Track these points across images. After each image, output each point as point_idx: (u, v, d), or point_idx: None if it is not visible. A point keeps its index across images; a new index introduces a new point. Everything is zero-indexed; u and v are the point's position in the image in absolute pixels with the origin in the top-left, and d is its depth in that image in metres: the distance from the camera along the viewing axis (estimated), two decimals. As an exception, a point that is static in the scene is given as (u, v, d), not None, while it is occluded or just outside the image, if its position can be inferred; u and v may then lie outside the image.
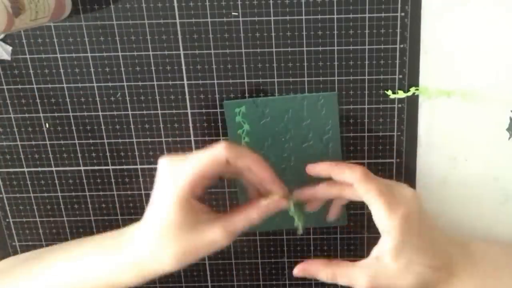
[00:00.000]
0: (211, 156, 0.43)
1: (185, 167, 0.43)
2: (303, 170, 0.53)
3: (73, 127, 0.53)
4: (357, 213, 0.56)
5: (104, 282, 0.45)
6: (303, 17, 0.49)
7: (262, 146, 0.53)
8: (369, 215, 0.57)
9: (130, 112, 0.53)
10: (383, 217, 0.44)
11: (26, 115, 0.53)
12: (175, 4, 0.49)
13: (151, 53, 0.50)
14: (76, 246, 0.50)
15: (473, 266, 0.48)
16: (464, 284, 0.47)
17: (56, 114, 0.53)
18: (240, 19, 0.49)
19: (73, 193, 0.56)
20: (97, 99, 0.52)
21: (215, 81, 0.51)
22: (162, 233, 0.43)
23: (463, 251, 0.49)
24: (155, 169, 0.44)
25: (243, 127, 0.52)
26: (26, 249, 0.58)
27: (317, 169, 0.49)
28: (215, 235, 0.43)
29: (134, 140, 0.54)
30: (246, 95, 0.52)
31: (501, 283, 0.48)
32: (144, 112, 0.53)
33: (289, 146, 0.52)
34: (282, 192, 0.46)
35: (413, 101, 0.51)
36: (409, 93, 0.51)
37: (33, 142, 0.54)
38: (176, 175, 0.42)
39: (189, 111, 0.52)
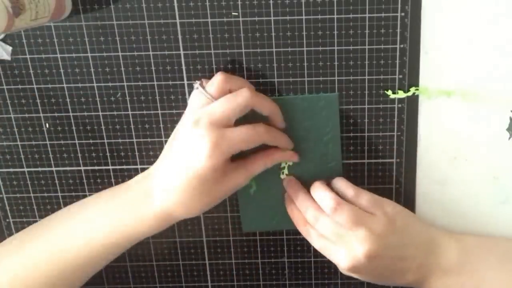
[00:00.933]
0: (255, 139, 0.47)
1: (231, 140, 0.45)
2: (303, 171, 0.53)
3: (73, 127, 0.53)
4: (357, 213, 0.56)
5: (128, 232, 0.48)
6: (303, 17, 0.49)
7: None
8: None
9: (130, 112, 0.53)
10: (354, 247, 0.48)
11: (26, 115, 0.53)
12: (175, 4, 0.49)
13: (151, 53, 0.50)
14: (92, 204, 0.51)
15: (472, 260, 0.50)
16: (462, 277, 0.49)
17: (56, 114, 0.53)
18: (240, 19, 0.49)
19: (73, 193, 0.56)
20: (97, 99, 0.52)
21: (215, 81, 0.51)
22: (195, 186, 0.45)
23: (458, 245, 0.50)
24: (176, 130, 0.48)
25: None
26: (26, 249, 0.58)
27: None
28: (239, 181, 0.48)
29: (134, 140, 0.54)
30: (246, 95, 0.52)
31: (500, 276, 0.49)
32: (144, 112, 0.53)
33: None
34: (290, 145, 0.51)
35: (413, 101, 0.51)
36: (409, 93, 0.51)
37: (33, 142, 0.54)
38: (221, 145, 0.45)
39: (189, 111, 0.52)
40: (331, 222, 0.48)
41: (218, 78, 0.47)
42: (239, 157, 0.48)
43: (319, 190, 0.50)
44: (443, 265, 0.49)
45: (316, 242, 0.50)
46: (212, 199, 0.47)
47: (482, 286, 0.49)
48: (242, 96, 0.46)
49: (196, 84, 0.48)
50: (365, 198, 0.49)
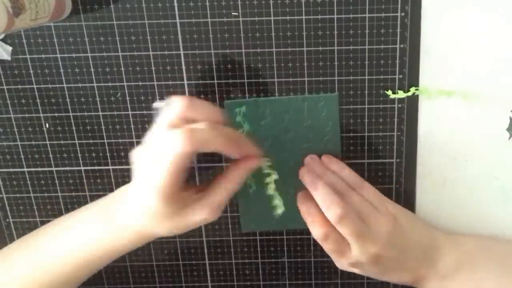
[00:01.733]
0: (178, 157, 0.40)
1: (159, 172, 0.41)
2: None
3: (73, 127, 0.53)
4: (357, 213, 0.56)
5: (108, 247, 0.47)
6: (303, 17, 0.49)
7: (262, 146, 0.53)
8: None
9: (130, 112, 0.53)
10: (356, 255, 0.47)
11: (26, 115, 0.53)
12: (175, 4, 0.49)
13: (151, 53, 0.50)
14: (67, 220, 0.51)
15: (469, 265, 0.50)
16: (461, 279, 0.49)
17: (56, 114, 0.53)
18: (240, 19, 0.49)
19: (73, 193, 0.56)
20: (97, 99, 0.52)
21: (215, 81, 0.51)
22: (150, 216, 0.44)
23: (457, 250, 0.51)
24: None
25: (243, 127, 0.52)
26: (26, 249, 0.58)
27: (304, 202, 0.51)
28: (201, 216, 0.44)
29: (134, 140, 0.54)
30: (246, 95, 0.52)
31: (499, 280, 0.49)
32: (144, 112, 0.53)
33: (289, 146, 0.52)
34: (254, 153, 0.46)
35: (413, 101, 0.51)
36: (409, 93, 0.51)
37: (33, 142, 0.54)
38: (153, 179, 0.41)
39: (189, 111, 0.52)
40: (354, 221, 0.47)
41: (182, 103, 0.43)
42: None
43: (323, 192, 0.48)
44: (440, 270, 0.50)
45: (326, 244, 0.49)
46: (174, 226, 0.44)
47: (480, 286, 0.49)
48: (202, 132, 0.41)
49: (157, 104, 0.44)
50: (371, 191, 0.50)
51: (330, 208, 0.47)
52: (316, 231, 0.48)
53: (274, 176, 0.51)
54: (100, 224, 0.47)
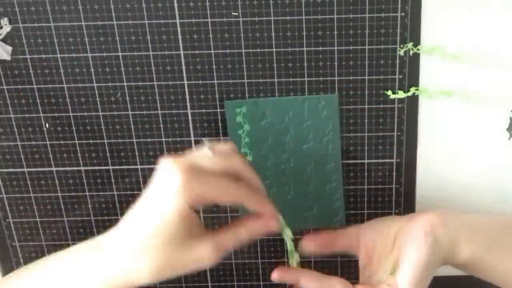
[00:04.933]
0: (233, 192, 0.40)
1: (207, 183, 0.39)
2: (303, 172, 0.53)
3: (73, 127, 0.53)
4: (357, 213, 0.56)
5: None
6: (303, 17, 0.49)
7: (262, 146, 0.53)
8: (369, 215, 0.57)
9: (130, 112, 0.53)
10: None
11: (26, 115, 0.53)
12: (175, 4, 0.49)
13: (151, 53, 0.50)
14: (46, 263, 0.44)
15: (476, 234, 0.45)
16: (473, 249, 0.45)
17: (56, 114, 0.53)
18: (240, 19, 0.49)
19: (73, 193, 0.56)
20: (97, 99, 0.52)
21: (215, 81, 0.51)
22: (148, 241, 0.39)
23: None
24: (155, 169, 0.42)
25: (244, 127, 0.52)
26: (26, 249, 0.58)
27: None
28: (203, 252, 0.40)
29: (134, 140, 0.54)
30: (246, 95, 0.52)
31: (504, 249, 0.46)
32: (144, 112, 0.53)
33: (289, 147, 0.52)
34: (273, 215, 0.44)
35: (413, 101, 0.51)
36: (409, 93, 0.51)
37: (33, 142, 0.54)
38: (193, 184, 0.38)
39: (189, 111, 0.52)
40: None
41: (230, 146, 0.42)
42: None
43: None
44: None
45: None
46: (168, 264, 0.39)
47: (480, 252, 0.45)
48: (236, 163, 0.41)
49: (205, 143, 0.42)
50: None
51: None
52: None
53: (290, 234, 0.46)
54: (77, 264, 0.41)
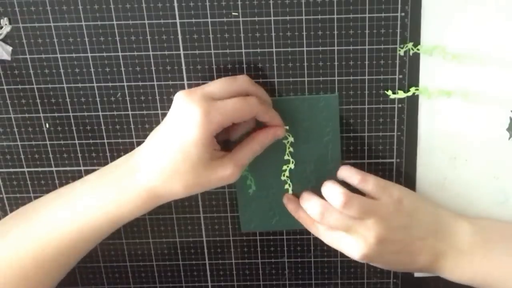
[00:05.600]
0: (247, 109, 0.46)
1: (222, 108, 0.45)
2: (302, 172, 0.53)
3: (73, 127, 0.53)
4: (357, 213, 0.56)
5: (113, 212, 0.47)
6: (303, 17, 0.49)
7: None
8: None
9: (130, 112, 0.53)
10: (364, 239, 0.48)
11: (26, 115, 0.53)
12: (175, 4, 0.49)
13: (151, 53, 0.50)
14: (80, 185, 0.51)
15: (485, 242, 0.50)
16: (475, 258, 0.49)
17: (56, 114, 0.53)
18: (240, 19, 0.49)
19: (73, 193, 0.56)
20: (97, 99, 0.52)
21: (215, 81, 0.51)
22: (178, 166, 0.45)
23: (471, 226, 0.51)
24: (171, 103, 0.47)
25: None
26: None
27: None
28: (226, 171, 0.46)
29: (134, 140, 0.54)
30: (246, 95, 0.52)
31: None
32: (144, 112, 0.53)
33: (289, 147, 0.52)
34: (280, 123, 0.50)
35: (413, 101, 0.51)
36: (409, 93, 0.51)
37: (33, 142, 0.54)
38: (212, 114, 0.44)
39: (189, 111, 0.52)
40: (339, 215, 0.48)
41: (242, 78, 0.48)
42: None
43: (326, 185, 0.50)
44: (456, 245, 0.49)
45: (325, 237, 0.50)
46: (195, 183, 0.46)
47: (495, 266, 0.49)
48: (242, 83, 0.48)
49: None
50: (371, 182, 0.50)
51: (335, 198, 0.48)
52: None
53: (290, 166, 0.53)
54: (105, 189, 0.47)
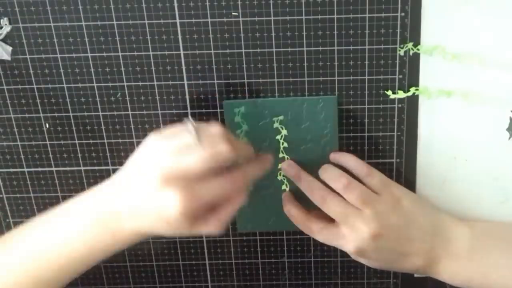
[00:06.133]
0: (231, 188, 0.45)
1: (202, 195, 0.43)
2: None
3: (73, 127, 0.53)
4: (357, 213, 0.56)
5: (100, 249, 0.46)
6: (303, 17, 0.49)
7: (259, 146, 0.53)
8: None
9: (130, 112, 0.53)
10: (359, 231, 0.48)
11: (26, 115, 0.53)
12: (175, 4, 0.49)
13: (151, 53, 0.50)
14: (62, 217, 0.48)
15: (483, 246, 0.50)
16: (473, 263, 0.49)
17: (56, 114, 0.53)
18: (240, 19, 0.49)
19: (73, 193, 0.56)
20: (97, 99, 0.52)
21: (215, 81, 0.51)
22: (162, 223, 0.44)
23: (469, 230, 0.51)
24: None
25: (242, 127, 0.52)
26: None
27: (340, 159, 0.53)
28: (209, 228, 0.45)
29: (134, 140, 0.54)
30: (246, 95, 0.52)
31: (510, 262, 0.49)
32: (144, 112, 0.53)
33: (287, 148, 0.52)
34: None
35: (413, 101, 0.51)
36: (409, 93, 0.51)
37: (33, 142, 0.54)
38: (189, 207, 0.42)
39: (189, 111, 0.52)
40: (339, 201, 0.48)
41: (217, 130, 0.45)
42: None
43: (330, 169, 0.51)
44: (453, 250, 0.49)
45: (319, 235, 0.50)
46: (179, 233, 0.45)
47: (492, 272, 0.49)
48: (226, 156, 0.44)
49: (189, 122, 0.44)
50: (377, 177, 0.50)
51: (314, 192, 0.50)
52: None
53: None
54: (94, 225, 0.45)
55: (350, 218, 0.48)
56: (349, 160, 0.52)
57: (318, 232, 0.50)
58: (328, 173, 0.51)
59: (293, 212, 0.52)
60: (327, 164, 0.52)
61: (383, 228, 0.48)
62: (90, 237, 0.45)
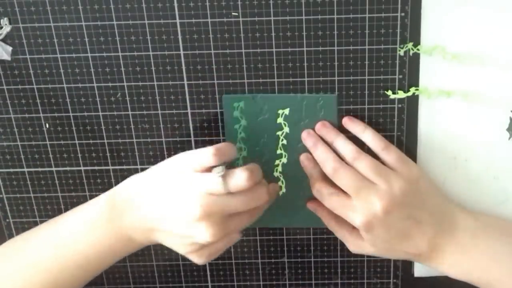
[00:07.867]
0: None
1: (229, 227, 0.47)
2: (297, 170, 0.53)
3: (73, 127, 0.53)
4: (357, 213, 0.56)
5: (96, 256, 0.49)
6: (303, 17, 0.49)
7: (257, 142, 0.53)
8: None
9: (130, 112, 0.53)
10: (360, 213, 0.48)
11: (26, 115, 0.53)
12: (175, 4, 0.49)
13: (151, 53, 0.50)
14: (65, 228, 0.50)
15: (486, 239, 0.50)
16: (474, 255, 0.49)
17: (56, 114, 0.53)
18: (240, 19, 0.49)
19: (73, 193, 0.56)
20: (97, 99, 0.52)
21: (215, 81, 0.51)
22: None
23: (476, 223, 0.50)
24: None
25: (240, 122, 0.52)
26: (26, 249, 0.58)
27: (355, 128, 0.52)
28: (199, 261, 0.49)
29: (134, 140, 0.54)
30: (246, 94, 0.52)
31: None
32: (144, 112, 0.53)
33: (284, 144, 0.52)
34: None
35: (413, 101, 0.51)
36: (409, 93, 0.51)
37: (33, 142, 0.54)
38: (220, 232, 0.46)
39: (189, 111, 0.52)
40: (352, 173, 0.48)
41: (244, 176, 0.45)
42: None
43: (342, 140, 0.50)
44: (457, 239, 0.49)
45: (328, 201, 0.49)
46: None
47: (492, 266, 0.49)
48: (260, 202, 0.48)
49: (219, 173, 0.45)
50: (394, 153, 0.50)
51: (326, 163, 0.49)
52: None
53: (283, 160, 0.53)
54: (107, 235, 0.49)
55: (363, 191, 0.47)
56: (365, 135, 0.51)
57: (328, 197, 0.49)
58: (339, 142, 0.50)
59: (309, 170, 0.52)
60: (337, 137, 0.50)
61: (396, 205, 0.47)
62: (107, 247, 0.49)
